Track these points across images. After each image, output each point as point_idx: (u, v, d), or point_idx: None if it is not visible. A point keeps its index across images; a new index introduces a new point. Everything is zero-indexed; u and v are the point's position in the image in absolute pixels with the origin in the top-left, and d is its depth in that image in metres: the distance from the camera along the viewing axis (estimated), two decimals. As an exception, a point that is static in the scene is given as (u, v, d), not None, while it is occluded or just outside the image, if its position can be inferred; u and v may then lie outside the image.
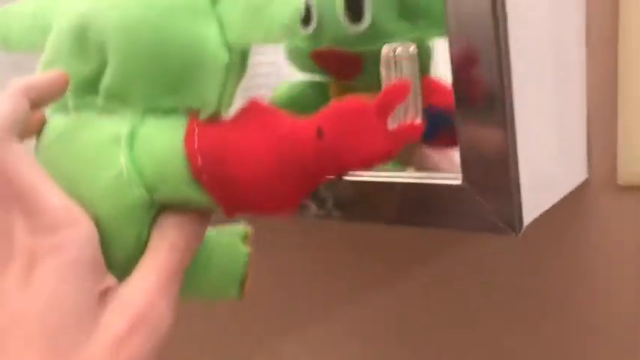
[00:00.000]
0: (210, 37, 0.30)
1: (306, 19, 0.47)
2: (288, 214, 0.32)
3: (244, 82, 0.36)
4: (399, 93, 0.32)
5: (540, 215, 0.40)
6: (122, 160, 0.29)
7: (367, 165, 0.31)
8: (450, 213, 0.39)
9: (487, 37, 0.35)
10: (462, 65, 0.36)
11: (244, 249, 0.39)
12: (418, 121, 0.43)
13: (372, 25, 0.45)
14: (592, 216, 0.48)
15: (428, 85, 0.44)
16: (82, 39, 0.31)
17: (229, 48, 0.30)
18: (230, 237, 0.40)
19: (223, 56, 0.30)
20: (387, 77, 0.42)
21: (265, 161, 0.30)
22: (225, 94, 0.32)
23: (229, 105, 0.33)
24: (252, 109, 0.31)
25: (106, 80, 0.31)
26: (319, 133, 0.30)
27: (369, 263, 0.60)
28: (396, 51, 0.42)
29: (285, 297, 0.67)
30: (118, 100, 0.31)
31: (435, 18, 0.44)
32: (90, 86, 0.31)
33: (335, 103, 0.31)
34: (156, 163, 0.29)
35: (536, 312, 0.52)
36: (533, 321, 0.53)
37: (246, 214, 0.32)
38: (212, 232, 0.38)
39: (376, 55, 0.40)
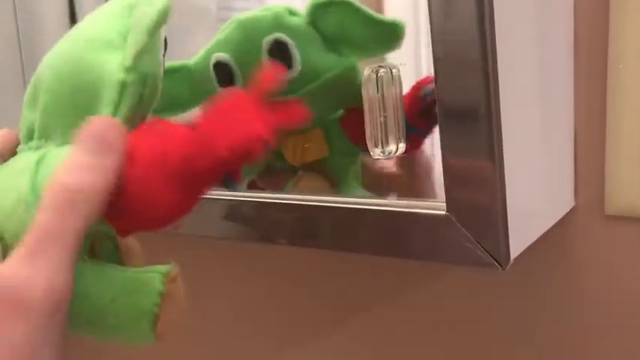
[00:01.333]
0: (112, 62, 0.32)
1: (229, 80, 0.45)
2: (177, 222, 0.31)
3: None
4: (271, 80, 0.31)
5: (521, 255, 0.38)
6: (24, 182, 0.30)
7: (240, 150, 0.30)
8: (432, 244, 0.37)
9: (473, 69, 0.33)
10: (447, 93, 0.34)
11: (158, 287, 0.33)
12: (402, 146, 0.41)
13: (303, 67, 0.43)
14: (579, 246, 0.47)
15: None
16: (34, 89, 0.34)
17: (128, 69, 0.32)
18: (145, 274, 0.35)
19: (118, 76, 0.31)
20: (369, 98, 0.40)
21: (146, 162, 0.30)
22: (120, 113, 0.31)
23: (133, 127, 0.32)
24: (148, 125, 0.32)
25: (37, 121, 0.33)
26: (194, 126, 0.30)
27: (349, 295, 0.58)
28: (378, 73, 0.40)
29: (263, 325, 0.65)
30: (44, 136, 0.33)
31: (356, 42, 0.43)
32: (32, 132, 0.34)
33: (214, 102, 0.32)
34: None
35: (523, 345, 0.51)
36: (519, 354, 0.51)
37: (140, 230, 0.31)
38: (126, 269, 0.35)
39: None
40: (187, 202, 0.31)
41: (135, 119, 0.33)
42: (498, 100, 0.34)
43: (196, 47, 0.57)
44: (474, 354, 0.53)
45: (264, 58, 0.43)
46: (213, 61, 0.45)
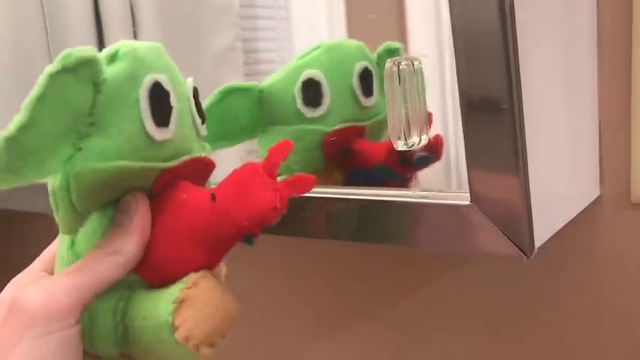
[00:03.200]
0: None
1: (315, 100, 0.47)
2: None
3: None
4: (281, 151, 0.34)
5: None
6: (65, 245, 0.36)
7: (258, 220, 0.33)
8: (456, 235, 0.37)
9: (496, 58, 0.33)
10: (470, 83, 0.34)
11: (174, 293, 0.33)
12: (425, 138, 0.42)
13: (377, 97, 0.48)
14: (604, 234, 0.46)
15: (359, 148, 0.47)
16: None
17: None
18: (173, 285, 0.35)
19: None
20: (391, 92, 0.40)
21: (173, 229, 0.34)
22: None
23: None
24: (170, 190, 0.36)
25: None
26: (213, 197, 0.34)
27: (372, 286, 0.59)
28: (400, 65, 0.40)
29: (285, 317, 0.66)
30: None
31: None
32: None
33: (230, 173, 0.35)
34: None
35: (548, 335, 0.51)
36: (544, 342, 0.51)
37: (168, 281, 0.34)
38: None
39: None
40: (211, 261, 0.35)
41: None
42: (521, 90, 0.34)
43: (220, 44, 0.57)
44: (499, 343, 0.53)
45: (355, 81, 0.47)
46: (303, 78, 0.46)
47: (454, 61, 0.35)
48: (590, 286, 0.48)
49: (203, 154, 0.38)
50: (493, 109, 0.34)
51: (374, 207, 0.42)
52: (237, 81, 0.50)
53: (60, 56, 0.30)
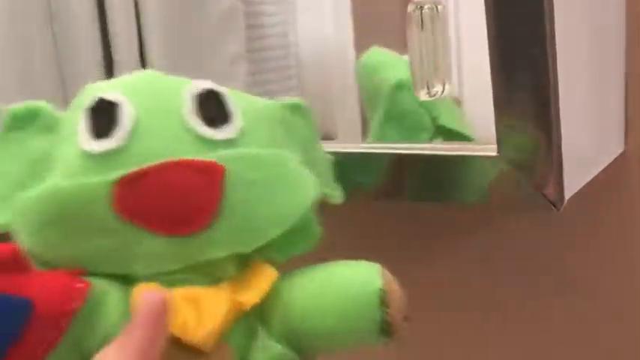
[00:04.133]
0: None
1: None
2: None
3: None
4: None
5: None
6: None
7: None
8: (485, 187, 0.37)
9: (528, 7, 0.33)
10: (500, 33, 0.34)
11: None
12: (447, 87, 0.41)
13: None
14: (629, 189, 0.46)
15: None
16: None
17: None
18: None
19: None
20: (412, 36, 0.39)
21: None
22: None
23: None
24: None
25: None
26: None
27: (400, 240, 0.58)
28: (422, 9, 0.39)
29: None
30: None
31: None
32: None
33: None
34: None
35: (573, 288, 0.51)
36: (570, 297, 0.51)
37: None
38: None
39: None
40: None
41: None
42: (554, 41, 0.33)
43: (228, 50, 0.56)
44: (527, 295, 0.53)
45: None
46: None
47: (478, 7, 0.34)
48: (613, 238, 0.48)
49: (201, 158, 0.32)
50: (525, 58, 0.33)
51: (397, 161, 0.41)
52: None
53: (5, 116, 0.34)
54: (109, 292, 0.32)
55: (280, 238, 0.34)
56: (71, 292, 0.30)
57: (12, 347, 0.28)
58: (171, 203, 0.31)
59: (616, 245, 0.48)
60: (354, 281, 0.35)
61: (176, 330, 0.30)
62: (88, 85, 0.36)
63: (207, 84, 0.35)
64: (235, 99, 0.35)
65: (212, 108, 0.34)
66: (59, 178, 0.33)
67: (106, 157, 0.32)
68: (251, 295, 0.33)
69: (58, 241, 0.32)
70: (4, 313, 0.28)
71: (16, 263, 0.29)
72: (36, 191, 0.32)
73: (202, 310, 0.31)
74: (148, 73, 0.37)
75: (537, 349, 0.53)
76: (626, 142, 0.45)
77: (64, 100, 0.71)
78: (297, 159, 0.35)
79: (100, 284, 0.32)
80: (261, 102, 0.38)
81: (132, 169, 0.31)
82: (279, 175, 0.34)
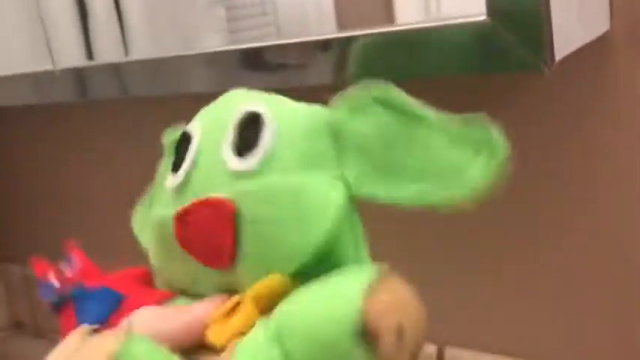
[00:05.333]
0: None
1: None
2: None
3: None
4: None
5: (560, 66, 0.37)
6: None
7: None
8: (476, 54, 0.37)
9: None
10: None
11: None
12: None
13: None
14: (614, 67, 0.46)
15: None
16: None
17: None
18: None
19: None
20: None
21: None
22: None
23: None
24: None
25: None
26: None
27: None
28: None
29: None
30: None
31: None
32: None
33: None
34: None
35: (558, 162, 0.51)
36: (558, 161, 0.51)
37: None
38: None
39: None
40: None
41: None
42: None
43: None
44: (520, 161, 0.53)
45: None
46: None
47: None
48: (597, 117, 0.48)
49: (216, 196, 0.32)
50: None
51: (379, 42, 0.41)
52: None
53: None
54: None
55: (311, 264, 0.31)
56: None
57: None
58: (202, 242, 0.33)
59: (598, 128, 0.48)
60: (327, 317, 0.28)
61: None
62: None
63: (252, 105, 0.34)
64: (275, 113, 0.33)
65: (248, 133, 0.33)
66: (157, 206, 0.37)
67: (176, 190, 0.35)
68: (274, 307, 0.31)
69: (159, 264, 0.37)
70: (101, 299, 0.36)
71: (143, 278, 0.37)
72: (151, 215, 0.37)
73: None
74: (234, 92, 0.36)
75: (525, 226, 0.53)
76: (610, 21, 0.45)
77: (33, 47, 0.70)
78: (327, 179, 0.32)
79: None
80: (306, 112, 0.34)
81: (186, 204, 0.33)
82: (290, 208, 0.31)
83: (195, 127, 0.35)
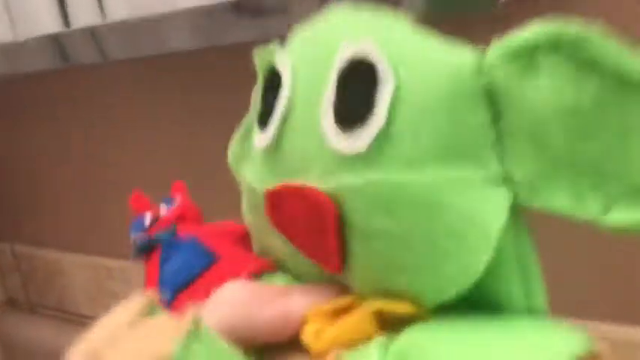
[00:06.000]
0: None
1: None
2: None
3: None
4: None
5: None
6: None
7: None
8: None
9: None
10: None
11: None
12: None
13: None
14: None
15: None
16: None
17: None
18: None
19: None
20: None
21: None
22: None
23: None
24: None
25: None
26: None
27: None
28: None
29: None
30: None
31: None
32: None
33: None
34: None
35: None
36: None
37: None
38: None
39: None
40: None
41: None
42: None
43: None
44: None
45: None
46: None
47: None
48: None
49: (313, 186, 0.24)
50: None
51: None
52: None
53: None
54: None
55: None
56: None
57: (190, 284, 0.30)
58: (303, 235, 0.25)
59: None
60: None
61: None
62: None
63: (360, 46, 0.23)
64: (399, 62, 0.22)
65: (357, 92, 0.23)
66: (248, 168, 0.29)
67: (266, 152, 0.26)
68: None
69: (254, 230, 0.30)
70: (191, 253, 0.31)
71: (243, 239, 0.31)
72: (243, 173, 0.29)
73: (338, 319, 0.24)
74: (335, 13, 0.26)
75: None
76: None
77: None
78: (482, 181, 0.22)
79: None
80: (449, 63, 0.22)
81: (278, 178, 0.25)
82: (421, 227, 0.22)
83: (286, 64, 0.26)
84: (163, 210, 0.35)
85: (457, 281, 0.22)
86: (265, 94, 0.27)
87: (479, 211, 0.21)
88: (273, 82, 0.26)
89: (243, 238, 0.32)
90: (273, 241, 0.27)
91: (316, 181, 0.24)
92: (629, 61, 0.19)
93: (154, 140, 0.72)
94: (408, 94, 0.22)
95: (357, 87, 0.23)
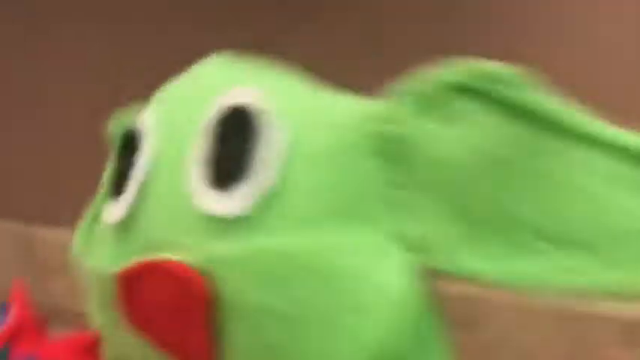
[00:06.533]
0: None
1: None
2: None
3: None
4: None
5: None
6: None
7: None
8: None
9: None
10: None
11: None
12: None
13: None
14: None
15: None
16: None
17: None
18: None
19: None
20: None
21: None
22: None
23: None
24: None
25: None
26: None
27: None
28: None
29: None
30: None
31: None
32: None
33: None
34: None
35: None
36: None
37: None
38: None
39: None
40: None
41: None
42: None
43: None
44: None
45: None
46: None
47: None
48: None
49: (177, 260, 0.19)
50: None
51: None
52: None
53: None
54: None
55: None
56: None
57: None
58: (162, 331, 0.20)
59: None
60: None
61: None
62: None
63: (239, 94, 0.20)
64: (283, 110, 0.20)
65: (233, 145, 0.19)
66: (95, 244, 0.24)
67: (118, 229, 0.22)
68: None
69: (103, 329, 0.24)
70: None
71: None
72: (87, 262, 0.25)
73: None
74: (208, 64, 0.23)
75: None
76: None
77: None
78: (377, 242, 0.19)
79: None
80: (338, 109, 0.20)
81: (133, 256, 0.20)
82: (313, 299, 0.18)
83: (149, 122, 0.22)
84: None
85: (358, 356, 0.18)
86: (120, 161, 0.22)
87: (377, 278, 0.18)
88: (129, 146, 0.22)
89: (94, 348, 0.28)
90: (127, 343, 0.22)
91: (182, 254, 0.19)
92: (551, 102, 0.17)
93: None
94: (296, 147, 0.19)
95: (234, 140, 0.19)
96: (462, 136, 0.18)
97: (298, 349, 0.18)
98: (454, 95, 0.18)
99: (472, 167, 0.18)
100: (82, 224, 0.28)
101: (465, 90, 0.18)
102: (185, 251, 0.19)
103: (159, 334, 0.20)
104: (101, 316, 0.23)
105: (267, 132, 0.19)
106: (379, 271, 0.18)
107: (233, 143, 0.19)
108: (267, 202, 0.18)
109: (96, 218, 0.27)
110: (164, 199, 0.21)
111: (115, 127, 0.27)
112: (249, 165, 0.19)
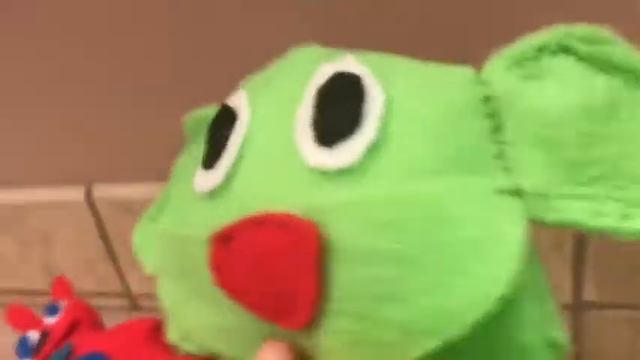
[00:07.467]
0: None
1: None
2: None
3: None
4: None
5: None
6: None
7: None
8: None
9: None
10: None
11: None
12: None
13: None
14: None
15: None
16: None
17: None
18: None
19: None
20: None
21: None
22: None
23: None
24: None
25: None
26: None
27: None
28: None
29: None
30: None
31: None
32: None
33: None
34: None
35: None
36: None
37: None
38: None
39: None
40: None
41: None
42: None
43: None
44: None
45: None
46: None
47: None
48: None
49: (283, 210, 0.20)
50: None
51: None
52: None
53: None
54: None
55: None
56: None
57: None
58: (264, 282, 0.20)
59: None
60: None
61: None
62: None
63: (340, 65, 0.21)
64: (385, 77, 0.21)
65: (340, 108, 0.20)
66: (174, 220, 0.25)
67: (211, 196, 0.22)
68: None
69: (176, 306, 0.25)
70: None
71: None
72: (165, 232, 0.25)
73: None
74: (303, 50, 0.24)
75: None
76: None
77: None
78: (490, 194, 0.19)
79: None
80: (437, 76, 0.21)
81: (228, 219, 0.21)
82: (425, 245, 0.18)
83: (241, 101, 0.23)
84: (49, 321, 0.30)
85: (474, 306, 0.18)
86: (214, 134, 0.24)
87: (494, 228, 0.18)
88: (224, 120, 0.23)
89: (155, 334, 0.28)
90: (208, 316, 0.23)
91: (285, 207, 0.20)
92: (638, 59, 0.19)
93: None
94: (401, 105, 0.20)
95: (340, 102, 0.20)
96: (557, 91, 0.19)
97: (406, 289, 0.18)
98: (547, 55, 0.20)
99: (569, 119, 0.19)
100: (143, 225, 0.30)
101: (555, 50, 0.20)
102: (288, 205, 0.20)
103: (254, 291, 0.21)
104: (179, 287, 0.24)
105: (373, 92, 0.20)
106: (499, 222, 0.18)
107: (339, 104, 0.20)
108: (375, 154, 0.19)
109: (161, 209, 0.29)
110: (268, 160, 0.21)
111: (191, 119, 0.29)
112: (356, 123, 0.20)
